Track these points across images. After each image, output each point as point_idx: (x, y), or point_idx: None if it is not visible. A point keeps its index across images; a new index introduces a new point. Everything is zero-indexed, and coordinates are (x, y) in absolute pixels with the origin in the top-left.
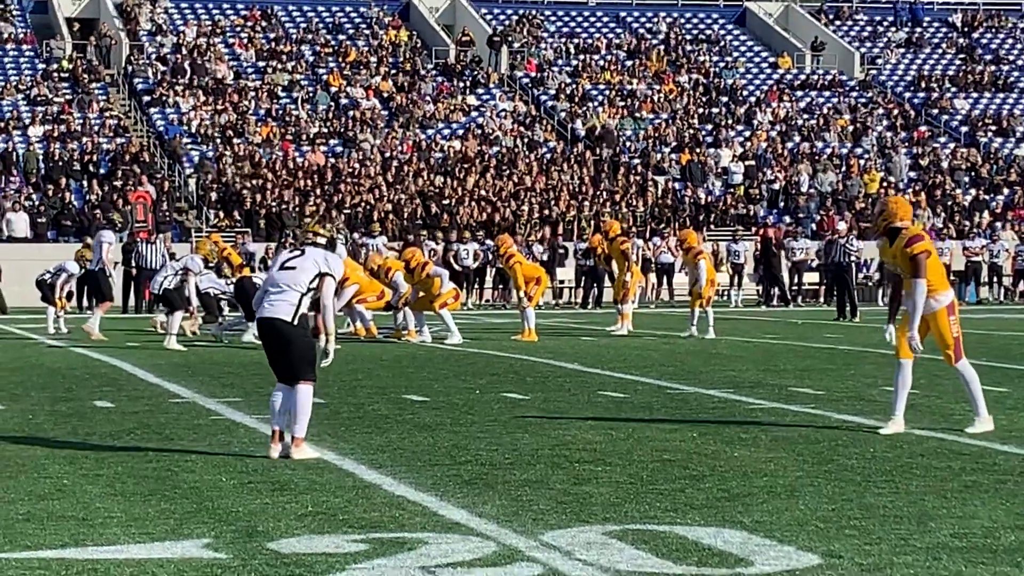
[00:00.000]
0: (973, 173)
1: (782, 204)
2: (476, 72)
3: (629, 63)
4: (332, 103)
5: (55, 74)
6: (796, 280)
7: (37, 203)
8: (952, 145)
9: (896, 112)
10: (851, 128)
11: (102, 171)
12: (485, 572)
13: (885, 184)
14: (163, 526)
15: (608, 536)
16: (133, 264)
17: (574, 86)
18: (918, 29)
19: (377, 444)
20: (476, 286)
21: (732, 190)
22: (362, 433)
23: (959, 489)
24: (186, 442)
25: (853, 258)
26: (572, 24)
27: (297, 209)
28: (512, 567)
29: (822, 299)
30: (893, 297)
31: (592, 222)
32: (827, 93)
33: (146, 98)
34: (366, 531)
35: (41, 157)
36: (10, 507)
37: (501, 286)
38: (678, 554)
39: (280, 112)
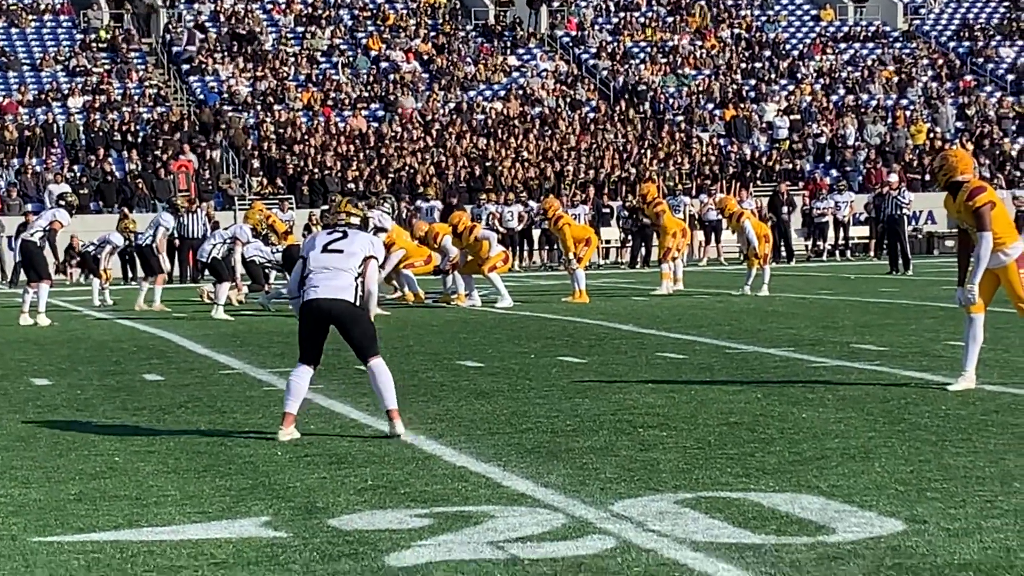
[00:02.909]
0: (1020, 122)
1: (828, 158)
2: (516, 32)
3: (670, 19)
4: (372, 67)
5: (93, 44)
6: (844, 234)
7: (78, 174)
8: (999, 94)
9: (941, 62)
10: (896, 79)
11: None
12: (556, 546)
13: (932, 135)
14: (219, 504)
15: (681, 505)
16: (175, 234)
17: (615, 44)
18: None
19: (434, 413)
20: (523, 248)
21: (777, 145)
22: (418, 402)
23: None
24: (239, 415)
25: (905, 211)
26: None
27: (340, 175)
28: (584, 540)
29: (872, 253)
30: (960, 252)
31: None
32: (871, 44)
33: (185, 66)
34: (429, 505)
35: (81, 128)
36: (61, 487)
37: (548, 247)
38: (755, 523)
39: (320, 77)
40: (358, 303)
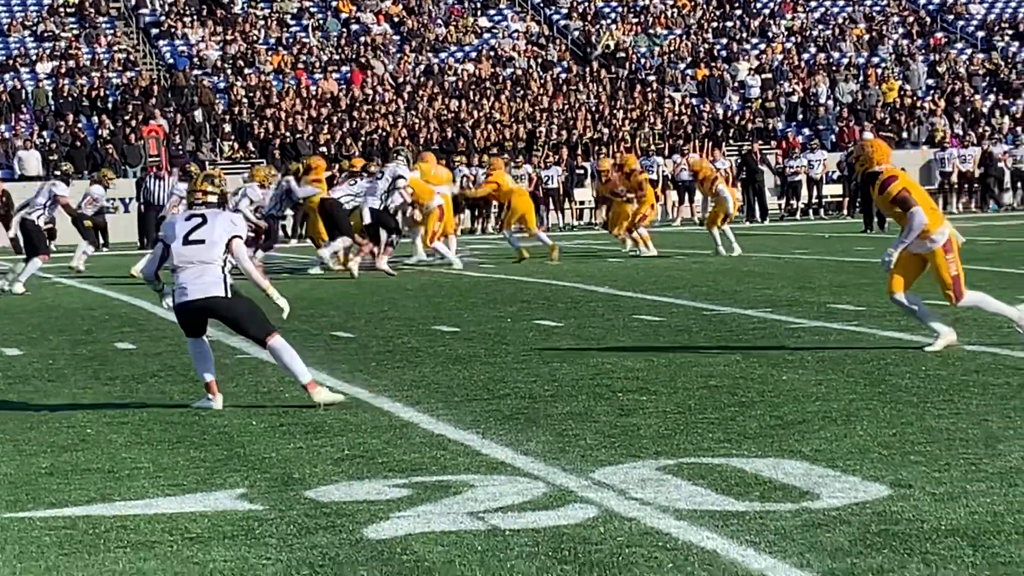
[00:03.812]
0: (991, 79)
1: (800, 116)
2: None
3: None
4: (343, 29)
5: (61, 9)
6: (817, 193)
7: (48, 140)
8: (969, 51)
9: (912, 19)
10: (867, 37)
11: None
12: (537, 516)
13: (903, 92)
14: (194, 476)
15: (663, 472)
16: (142, 200)
17: (587, 4)
18: None
19: (410, 379)
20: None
21: (750, 104)
22: (394, 368)
23: (1023, 407)
24: None
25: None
26: None
27: (311, 138)
28: (565, 509)
29: (845, 211)
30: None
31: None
32: (841, 2)
33: (154, 31)
34: (407, 474)
35: (50, 94)
36: (32, 460)
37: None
38: (739, 489)
39: (290, 41)
40: (229, 293)
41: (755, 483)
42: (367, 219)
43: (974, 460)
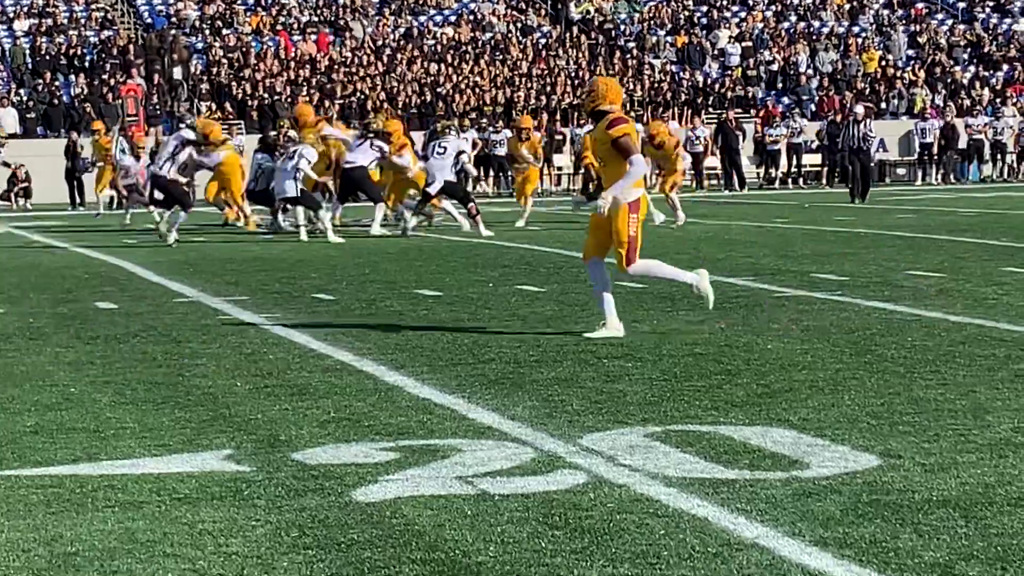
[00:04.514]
0: (971, 50)
1: (780, 85)
2: None
3: None
4: None
5: None
6: (796, 161)
7: (25, 98)
8: (950, 22)
9: None
10: (847, 7)
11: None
12: (526, 481)
13: (884, 63)
14: (179, 436)
15: (651, 439)
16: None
17: None
18: None
19: (394, 343)
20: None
21: (730, 72)
22: (377, 331)
23: (1010, 379)
24: (195, 345)
25: (871, 143)
26: None
27: (289, 100)
28: (554, 475)
29: (824, 181)
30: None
31: None
32: None
33: None
34: (394, 438)
35: (27, 52)
36: (16, 418)
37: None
38: (727, 457)
39: (269, 2)
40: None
41: (744, 451)
42: (434, 189)
43: (963, 431)
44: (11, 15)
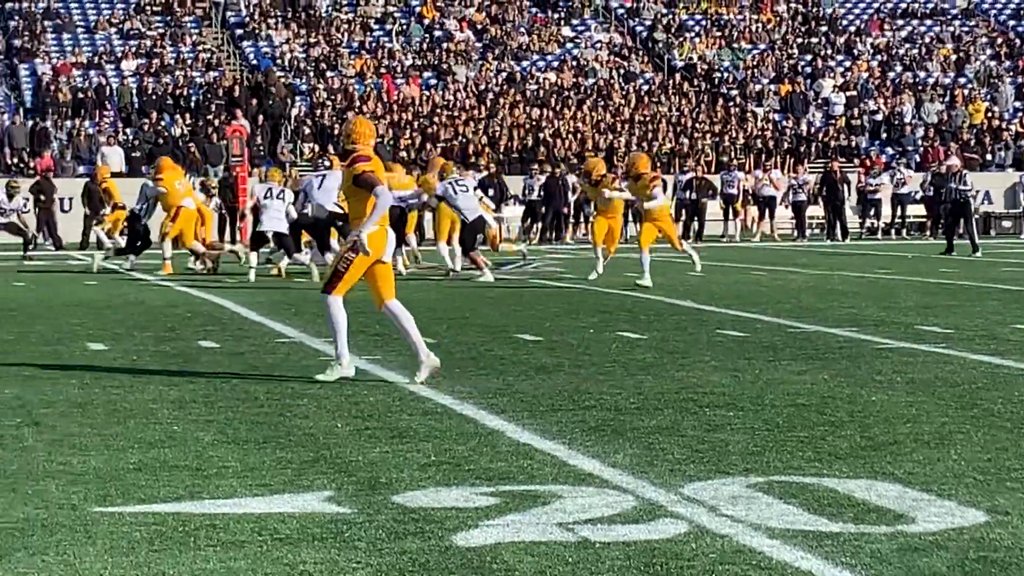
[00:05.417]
0: None
1: (884, 135)
2: (571, 3)
3: None
4: (426, 35)
5: (148, 7)
6: (900, 212)
7: (131, 137)
8: None
9: (1000, 41)
10: (954, 57)
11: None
12: (627, 529)
13: (990, 114)
14: (281, 477)
15: (753, 489)
16: (229, 200)
17: (670, 16)
18: None
19: (495, 387)
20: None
21: (833, 121)
22: (478, 375)
23: None
24: (296, 385)
25: (969, 195)
26: None
27: (391, 143)
28: (656, 524)
29: (928, 232)
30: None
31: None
32: (929, 22)
33: (238, 31)
34: (495, 483)
35: (134, 91)
36: (120, 455)
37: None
38: (831, 510)
39: (373, 45)
40: None
41: (848, 504)
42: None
43: None
44: (119, 55)
